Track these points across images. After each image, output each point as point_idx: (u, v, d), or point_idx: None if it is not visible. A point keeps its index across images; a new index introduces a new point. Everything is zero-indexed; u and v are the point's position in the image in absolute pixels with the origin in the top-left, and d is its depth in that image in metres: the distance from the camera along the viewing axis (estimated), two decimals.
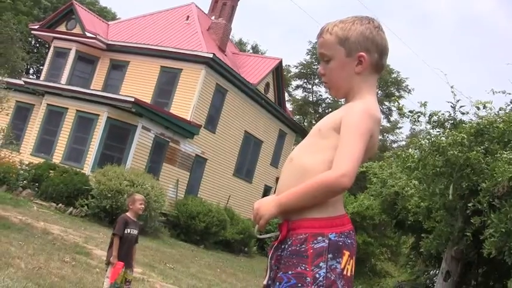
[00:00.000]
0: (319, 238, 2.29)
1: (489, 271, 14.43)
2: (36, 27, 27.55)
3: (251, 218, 2.57)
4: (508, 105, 12.70)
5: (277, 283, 2.33)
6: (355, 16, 2.55)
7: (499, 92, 12.33)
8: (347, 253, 2.31)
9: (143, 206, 7.22)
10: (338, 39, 2.50)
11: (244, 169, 28.12)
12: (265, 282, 2.43)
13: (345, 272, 2.30)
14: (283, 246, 2.39)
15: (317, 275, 2.25)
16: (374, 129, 2.40)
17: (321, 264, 2.26)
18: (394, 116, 48.66)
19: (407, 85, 48.56)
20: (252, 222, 2.39)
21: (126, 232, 6.93)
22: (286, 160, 2.56)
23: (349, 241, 2.34)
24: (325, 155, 2.37)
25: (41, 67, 37.62)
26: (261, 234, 2.50)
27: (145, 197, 16.05)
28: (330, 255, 2.27)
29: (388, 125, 50.73)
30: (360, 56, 2.48)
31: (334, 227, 2.33)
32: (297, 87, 51.57)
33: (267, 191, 30.03)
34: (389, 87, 48.40)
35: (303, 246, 2.30)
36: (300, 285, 2.26)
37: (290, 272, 2.30)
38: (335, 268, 2.27)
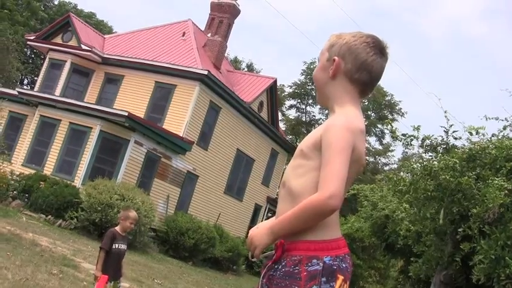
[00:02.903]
0: (314, 261, 2.28)
1: None
2: (32, 37, 27.56)
3: (240, 236, 2.55)
4: (501, 131, 12.76)
5: None
6: (362, 31, 2.60)
7: (492, 118, 12.42)
8: (341, 277, 2.29)
9: (133, 226, 7.15)
10: (328, 45, 2.59)
11: (235, 187, 28.08)
12: None
13: None
14: (276, 266, 2.36)
15: None
16: (356, 141, 2.36)
17: None
18: (387, 138, 48.79)
19: (401, 108, 48.76)
20: (241, 242, 2.35)
21: (114, 247, 6.88)
22: (280, 184, 2.55)
23: (344, 265, 2.32)
24: (312, 176, 2.36)
25: (36, 78, 37.58)
26: (253, 257, 2.48)
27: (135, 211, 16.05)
28: (323, 279, 2.25)
29: (380, 147, 50.82)
30: (333, 60, 2.52)
31: (329, 250, 2.31)
32: (291, 107, 51.64)
33: (257, 210, 29.98)
34: (383, 110, 48.55)
35: (297, 268, 2.28)
36: None
37: None
38: None
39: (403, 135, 12.92)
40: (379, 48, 2.53)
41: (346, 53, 2.50)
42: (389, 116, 46.43)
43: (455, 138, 12.64)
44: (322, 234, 2.33)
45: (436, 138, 12.77)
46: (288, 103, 51.68)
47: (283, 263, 2.33)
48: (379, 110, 48.56)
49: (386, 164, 51.62)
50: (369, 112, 49.04)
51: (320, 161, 2.33)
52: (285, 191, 2.47)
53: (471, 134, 12.15)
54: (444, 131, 12.63)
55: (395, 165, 48.34)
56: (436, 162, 11.79)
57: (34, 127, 21.71)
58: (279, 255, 2.36)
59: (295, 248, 2.33)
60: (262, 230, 2.40)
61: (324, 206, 2.24)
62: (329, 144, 2.32)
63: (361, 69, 2.49)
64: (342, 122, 2.38)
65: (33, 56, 45.53)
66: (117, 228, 7.10)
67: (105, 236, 6.98)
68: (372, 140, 51.07)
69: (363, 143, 2.46)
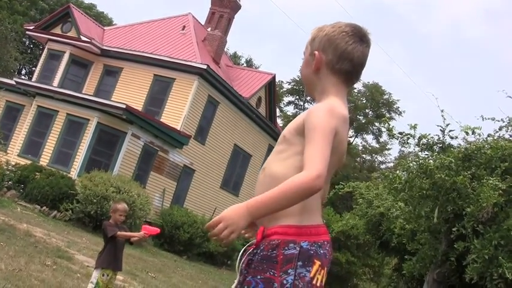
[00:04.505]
0: (291, 245, 2.29)
1: None
2: (31, 27, 27.46)
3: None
4: (497, 131, 12.81)
5: (245, 287, 2.32)
6: (341, 22, 2.62)
7: (488, 119, 12.45)
8: (318, 262, 2.30)
9: (123, 218, 7.09)
10: (310, 39, 2.63)
11: (232, 182, 28.07)
12: (233, 286, 2.42)
13: (314, 282, 2.29)
14: (255, 251, 2.38)
15: (284, 281, 2.25)
16: (338, 126, 2.38)
17: (289, 271, 2.25)
18: (384, 137, 48.88)
19: (399, 107, 48.86)
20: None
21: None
22: (260, 170, 2.56)
23: (321, 251, 2.33)
24: (294, 160, 2.38)
25: (34, 68, 37.54)
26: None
27: (130, 204, 16.04)
28: (299, 263, 2.26)
29: (377, 145, 50.87)
30: (314, 54, 2.55)
31: (307, 236, 2.32)
32: (289, 103, 51.72)
33: None
34: (380, 108, 48.60)
35: (274, 252, 2.30)
36: None
37: (259, 277, 2.30)
38: (304, 276, 2.26)
39: (400, 133, 12.95)
40: (358, 36, 2.55)
41: (326, 45, 2.54)
42: (387, 115, 46.52)
43: (452, 138, 12.69)
44: (301, 219, 2.35)
45: (432, 137, 12.79)
46: (286, 99, 51.76)
47: (262, 247, 2.34)
48: (377, 108, 48.63)
49: (382, 162, 51.76)
50: (367, 110, 49.07)
51: (302, 146, 2.35)
52: (265, 175, 2.49)
53: (467, 133, 12.19)
54: (440, 130, 12.67)
55: (392, 164, 48.43)
56: (431, 161, 11.82)
57: (31, 117, 21.69)
58: (259, 241, 2.37)
59: (275, 232, 2.33)
60: (238, 212, 2.28)
61: (312, 185, 2.22)
62: (313, 126, 2.33)
63: (341, 59, 2.52)
64: (326, 107, 2.42)
65: (31, 46, 45.45)
66: (111, 221, 7.09)
67: (105, 228, 6.90)
68: (369, 138, 51.14)
69: (346, 130, 2.49)
